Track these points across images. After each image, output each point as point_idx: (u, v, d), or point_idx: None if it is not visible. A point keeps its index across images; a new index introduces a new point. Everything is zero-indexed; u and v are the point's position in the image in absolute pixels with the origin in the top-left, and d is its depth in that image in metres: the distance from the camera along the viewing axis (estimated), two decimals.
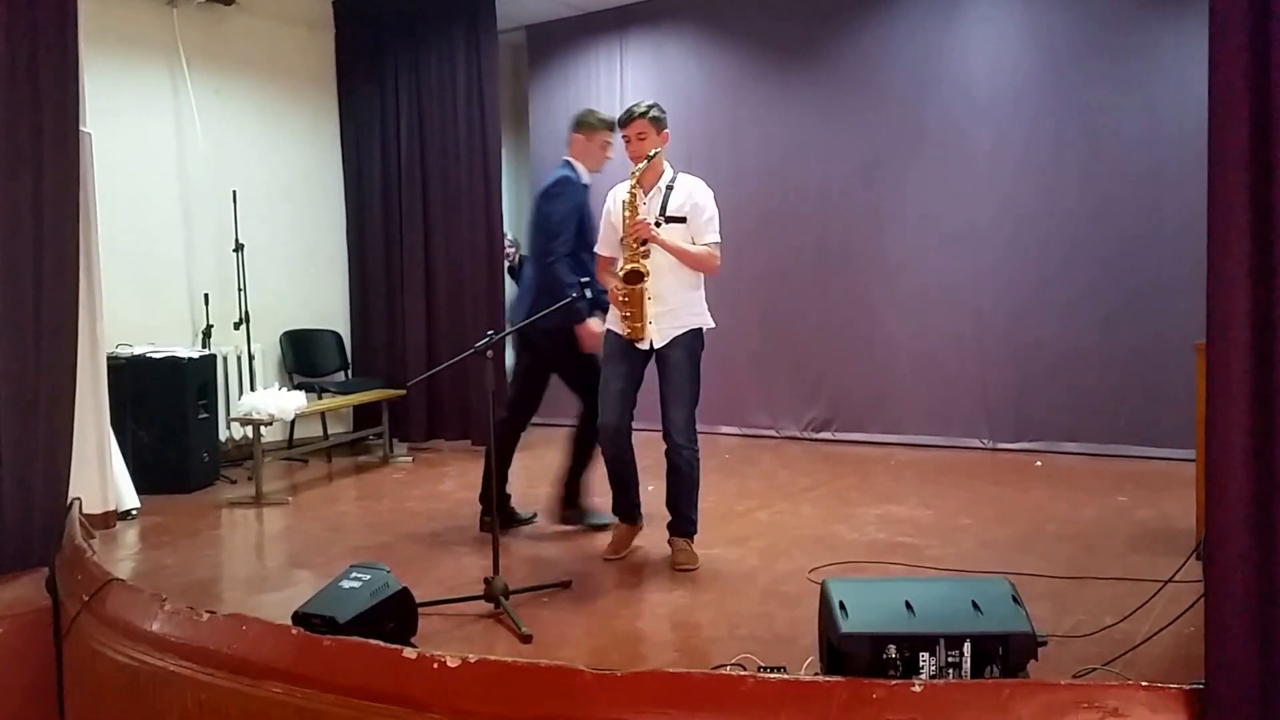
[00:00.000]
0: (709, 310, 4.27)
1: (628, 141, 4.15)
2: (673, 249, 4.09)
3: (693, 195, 4.16)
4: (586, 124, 4.71)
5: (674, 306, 4.13)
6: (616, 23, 8.02)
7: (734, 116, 7.55)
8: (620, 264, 4.13)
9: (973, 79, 6.71)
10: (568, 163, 4.71)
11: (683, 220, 4.13)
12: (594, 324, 4.46)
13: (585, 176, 4.70)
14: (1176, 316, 5.75)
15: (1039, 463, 6.27)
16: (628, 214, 4.11)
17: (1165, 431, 5.91)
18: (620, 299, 4.09)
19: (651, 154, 4.10)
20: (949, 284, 6.83)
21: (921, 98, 6.88)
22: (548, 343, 4.63)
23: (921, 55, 6.88)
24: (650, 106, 4.19)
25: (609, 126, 4.64)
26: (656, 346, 4.14)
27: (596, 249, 4.39)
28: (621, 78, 8.01)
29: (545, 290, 4.49)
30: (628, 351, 4.18)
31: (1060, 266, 6.46)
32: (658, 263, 4.10)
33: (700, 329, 4.21)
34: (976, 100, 6.69)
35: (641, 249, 4.07)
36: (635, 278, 4.05)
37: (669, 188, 4.17)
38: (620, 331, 4.16)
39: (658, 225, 4.11)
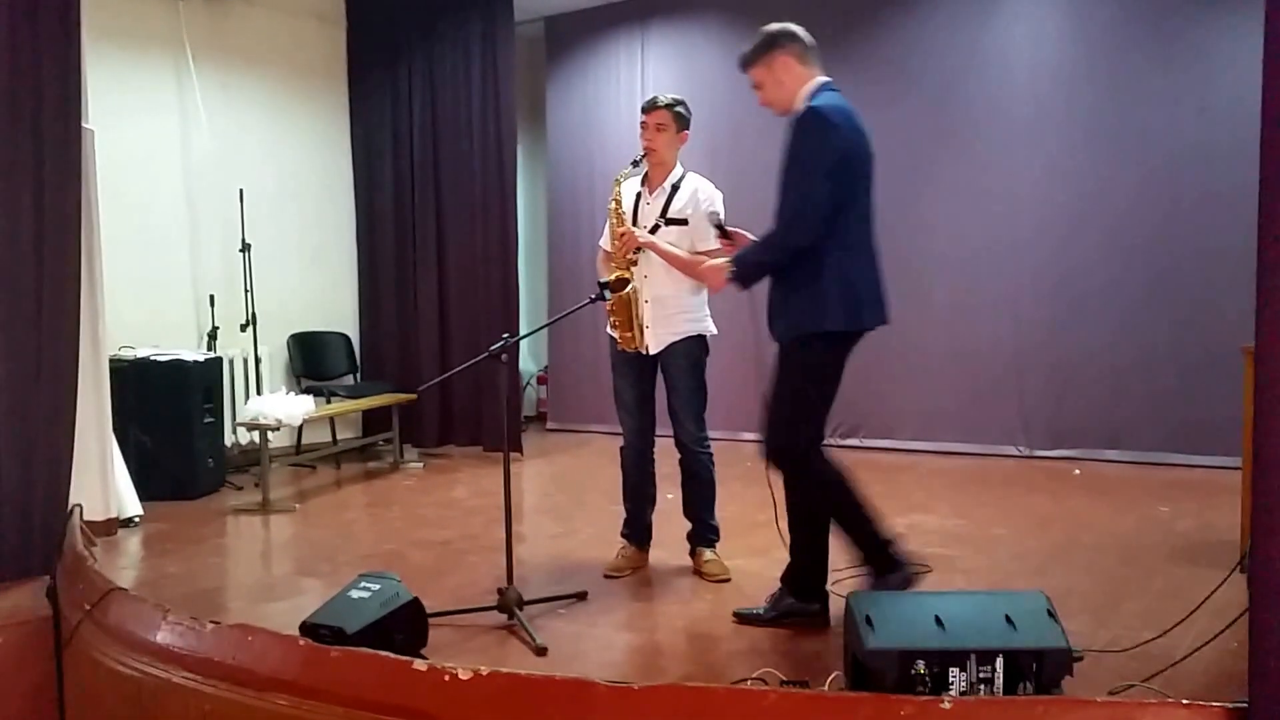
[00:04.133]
0: (713, 315, 4.15)
1: (644, 128, 4.05)
2: (666, 257, 3.96)
3: (697, 197, 4.03)
4: None
5: (670, 312, 4.03)
6: (637, 13, 7.90)
7: (760, 111, 7.38)
8: (609, 270, 4.03)
9: (1012, 75, 6.55)
10: None
11: (684, 222, 4.01)
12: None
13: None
14: (1223, 319, 5.60)
15: (1077, 471, 6.13)
16: (614, 221, 4.03)
17: (1210, 439, 5.72)
18: (608, 307, 4.01)
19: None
20: (985, 285, 6.67)
21: (958, 93, 6.72)
22: None
23: (958, 48, 6.72)
24: (677, 101, 4.08)
25: None
26: (652, 352, 4.06)
27: (600, 242, 4.25)
28: (642, 71, 7.88)
29: None
30: (631, 359, 4.11)
31: (1101, 269, 6.29)
32: (653, 265, 4.01)
33: (703, 335, 4.11)
34: (1016, 97, 6.52)
35: (631, 256, 3.99)
36: (619, 285, 3.94)
37: (674, 187, 4.06)
38: (616, 339, 4.10)
39: (656, 228, 4.01)
